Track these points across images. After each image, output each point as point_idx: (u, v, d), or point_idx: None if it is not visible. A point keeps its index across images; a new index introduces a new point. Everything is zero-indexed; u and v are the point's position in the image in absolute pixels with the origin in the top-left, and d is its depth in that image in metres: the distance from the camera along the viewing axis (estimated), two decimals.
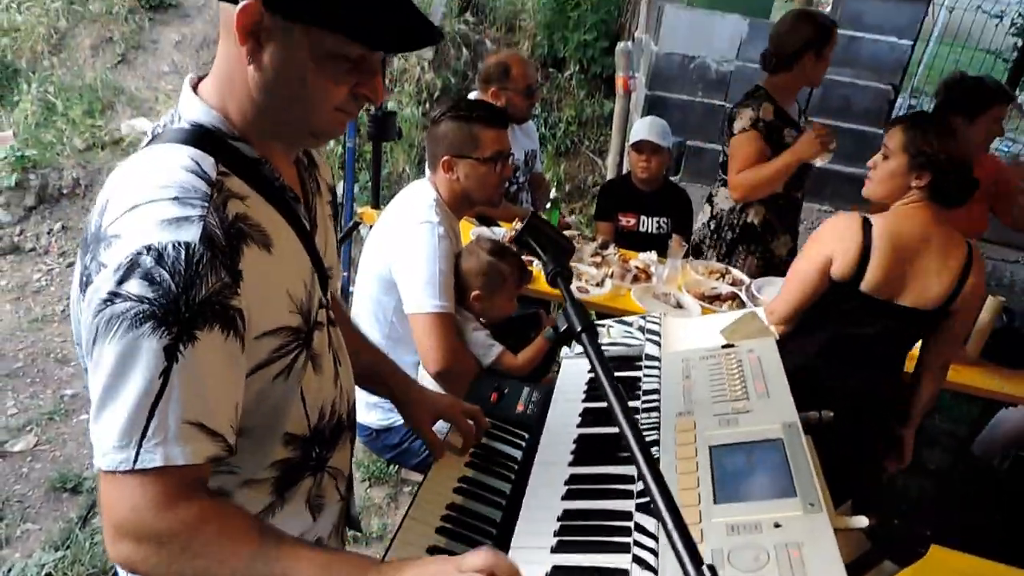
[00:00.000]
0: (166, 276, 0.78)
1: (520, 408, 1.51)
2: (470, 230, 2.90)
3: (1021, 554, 2.73)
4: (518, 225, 3.00)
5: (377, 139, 3.28)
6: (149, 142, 0.93)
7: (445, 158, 2.04)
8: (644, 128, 3.24)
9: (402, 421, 2.26)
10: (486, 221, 3.08)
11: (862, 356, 2.12)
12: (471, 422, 1.36)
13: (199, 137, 0.90)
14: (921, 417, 2.30)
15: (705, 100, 4.69)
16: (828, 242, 2.05)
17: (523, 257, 2.72)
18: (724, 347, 1.35)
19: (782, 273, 3.09)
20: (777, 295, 2.23)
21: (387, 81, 5.73)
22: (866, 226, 2.00)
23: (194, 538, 0.81)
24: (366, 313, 2.18)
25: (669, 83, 4.70)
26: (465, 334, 2.09)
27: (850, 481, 1.08)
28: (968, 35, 7.52)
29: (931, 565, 2.15)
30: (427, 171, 2.20)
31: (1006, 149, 5.75)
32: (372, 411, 2.27)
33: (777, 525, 0.89)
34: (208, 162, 0.87)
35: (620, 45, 4.43)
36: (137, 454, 0.78)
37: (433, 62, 5.93)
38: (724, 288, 2.80)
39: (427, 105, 5.66)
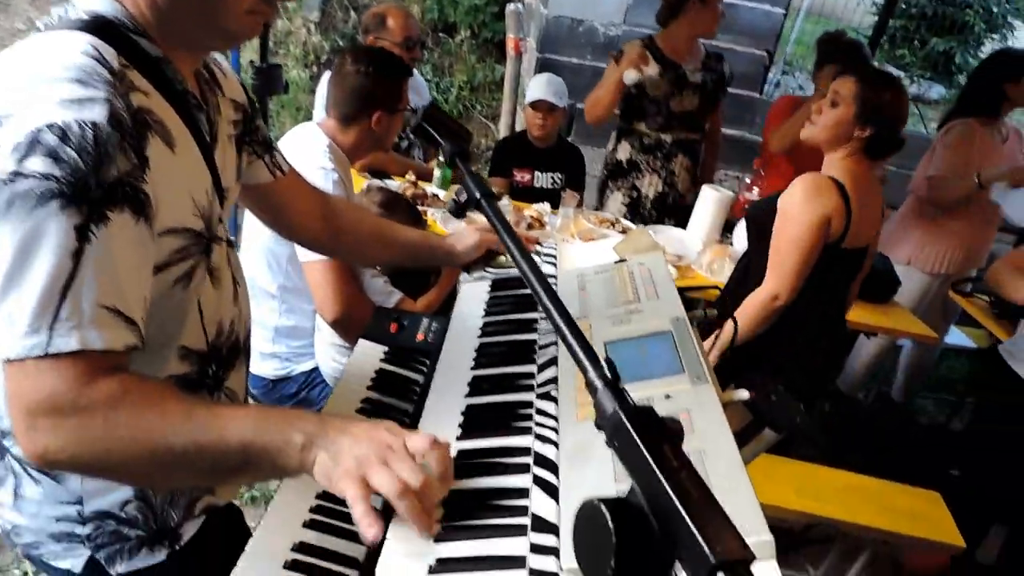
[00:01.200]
0: (72, 154, 0.73)
1: (420, 337, 1.52)
2: (363, 184, 2.86)
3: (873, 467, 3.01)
4: (411, 177, 2.99)
5: (263, 92, 3.16)
6: None
7: (378, 113, 2.04)
8: (541, 87, 3.29)
9: (300, 370, 2.25)
10: (378, 175, 3.06)
11: (840, 305, 2.33)
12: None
13: (98, 27, 0.84)
14: None
15: (594, 63, 4.79)
16: (818, 205, 2.06)
17: (418, 207, 2.73)
18: (617, 263, 1.41)
19: (648, 214, 3.26)
20: (771, 277, 2.16)
21: (271, 43, 5.50)
22: (839, 185, 2.08)
23: (117, 409, 0.75)
24: (259, 263, 2.12)
25: (559, 46, 4.77)
26: (363, 281, 2.08)
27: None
28: (833, 12, 8.04)
29: (768, 472, 2.37)
30: (318, 116, 2.17)
31: None
32: (267, 361, 2.22)
33: (668, 396, 0.95)
34: (109, 52, 0.82)
35: (510, 7, 4.46)
36: (50, 338, 0.72)
37: (320, 24, 5.76)
38: (614, 235, 2.90)
39: (314, 68, 5.50)
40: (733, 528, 0.40)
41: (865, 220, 2.15)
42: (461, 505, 0.86)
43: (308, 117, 5.34)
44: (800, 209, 2.07)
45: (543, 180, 3.48)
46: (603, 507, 0.44)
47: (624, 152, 3.25)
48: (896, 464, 3.48)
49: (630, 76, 2.91)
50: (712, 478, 0.79)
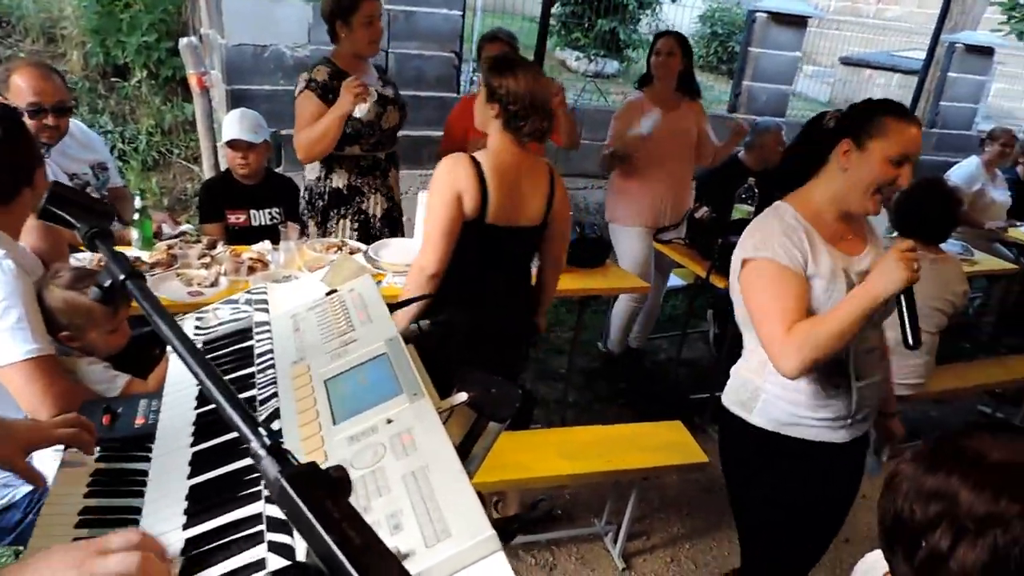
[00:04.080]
0: None
1: (140, 421, 1.39)
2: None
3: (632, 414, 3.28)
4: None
5: None
6: None
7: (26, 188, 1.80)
8: (235, 126, 3.14)
9: (21, 494, 1.95)
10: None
11: (503, 276, 2.40)
12: (72, 429, 1.22)
13: None
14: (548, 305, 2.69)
15: (288, 88, 4.66)
16: (451, 182, 2.20)
17: None
18: (328, 294, 1.40)
19: (380, 232, 3.28)
20: (420, 251, 2.29)
21: None
22: (475, 164, 2.21)
23: None
24: None
25: (247, 75, 4.59)
26: (78, 372, 1.86)
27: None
28: (511, 5, 8.62)
29: (533, 445, 2.56)
30: None
31: None
32: None
33: (389, 421, 0.96)
34: None
35: (183, 41, 4.19)
36: None
37: None
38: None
39: None
40: (397, 564, 0.42)
41: (518, 199, 2.29)
42: None
43: None
44: (434, 192, 2.24)
45: (260, 217, 3.34)
46: None
47: (341, 179, 3.16)
48: (647, 403, 3.89)
49: (362, 110, 2.88)
50: (436, 490, 0.82)
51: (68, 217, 0.77)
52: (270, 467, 0.49)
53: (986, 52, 7.84)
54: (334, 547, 0.42)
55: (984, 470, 0.88)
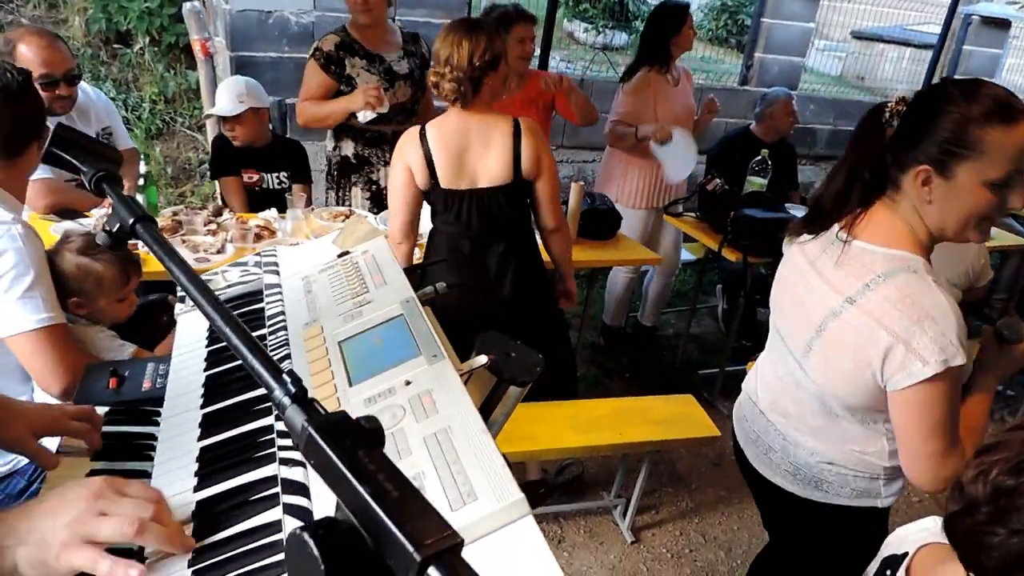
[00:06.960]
0: None
1: (148, 385, 1.35)
2: (50, 227, 2.50)
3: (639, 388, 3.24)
4: (108, 208, 2.68)
5: None
6: None
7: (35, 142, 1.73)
8: (218, 99, 3.14)
9: (27, 460, 1.93)
10: (69, 215, 2.69)
11: (488, 242, 2.37)
12: (85, 424, 1.17)
13: None
14: (570, 271, 2.63)
15: (293, 55, 4.60)
16: (400, 155, 2.30)
17: (131, 245, 2.45)
18: (340, 256, 1.36)
19: None
20: (389, 222, 2.42)
21: None
22: (423, 134, 2.26)
23: None
24: None
25: (251, 42, 4.50)
26: (86, 341, 1.83)
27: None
28: None
29: (544, 417, 2.53)
30: None
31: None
32: None
33: (408, 383, 0.93)
34: None
35: (187, 6, 4.10)
36: None
37: None
38: None
39: None
40: (437, 517, 0.38)
41: (472, 161, 2.27)
42: (209, 563, 0.77)
43: None
44: (392, 162, 2.38)
45: (270, 181, 3.30)
46: (305, 535, 0.40)
47: (349, 148, 3.18)
48: (656, 378, 3.86)
49: (366, 116, 2.86)
50: (460, 453, 0.78)
51: (73, 160, 0.72)
52: (296, 416, 0.45)
53: (1003, 25, 7.70)
54: (369, 499, 0.38)
55: None
